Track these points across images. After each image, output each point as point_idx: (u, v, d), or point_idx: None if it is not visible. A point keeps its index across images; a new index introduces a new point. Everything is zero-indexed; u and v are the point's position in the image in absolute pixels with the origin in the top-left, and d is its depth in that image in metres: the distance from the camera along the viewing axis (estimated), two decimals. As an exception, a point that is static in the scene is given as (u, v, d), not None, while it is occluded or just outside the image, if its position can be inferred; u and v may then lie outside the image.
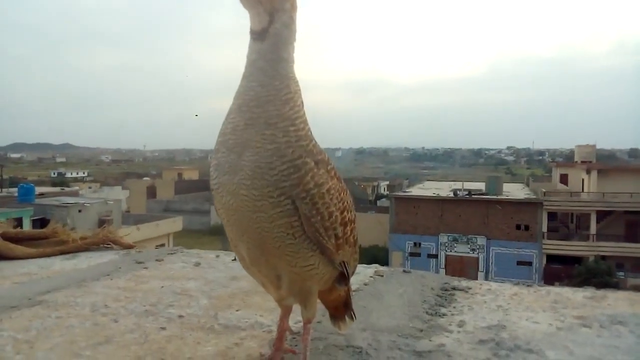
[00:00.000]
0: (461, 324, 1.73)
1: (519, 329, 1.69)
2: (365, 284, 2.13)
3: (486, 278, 34.88)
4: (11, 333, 1.64)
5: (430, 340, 1.59)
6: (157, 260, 2.61)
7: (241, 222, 1.19)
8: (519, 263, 35.03)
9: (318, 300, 1.40)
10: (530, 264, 34.96)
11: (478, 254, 35.99)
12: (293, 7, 1.20)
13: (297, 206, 1.16)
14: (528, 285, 2.18)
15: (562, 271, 33.29)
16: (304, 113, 1.22)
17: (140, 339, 1.61)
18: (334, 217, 1.22)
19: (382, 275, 2.26)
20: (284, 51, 1.20)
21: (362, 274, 2.30)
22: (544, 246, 34.80)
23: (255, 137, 1.16)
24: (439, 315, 1.81)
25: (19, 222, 25.27)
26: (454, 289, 2.11)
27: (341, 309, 1.53)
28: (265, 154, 1.15)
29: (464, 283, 2.20)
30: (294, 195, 1.15)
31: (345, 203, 1.28)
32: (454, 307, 1.90)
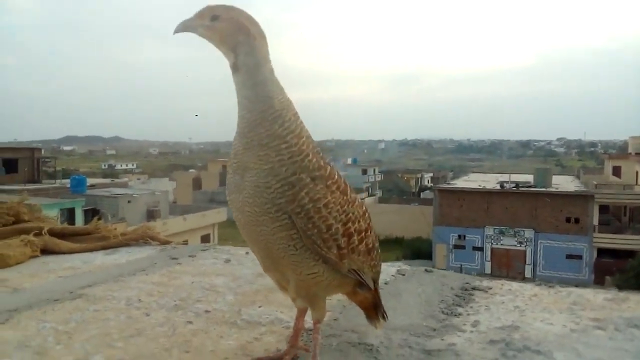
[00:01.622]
0: (475, 324, 1.77)
1: (532, 330, 1.72)
2: (386, 283, 2.19)
3: (534, 271, 34.20)
4: (53, 324, 1.79)
5: (441, 340, 1.64)
6: (190, 256, 2.74)
7: (250, 235, 1.35)
8: (569, 257, 34.17)
9: (348, 300, 1.58)
10: (580, 257, 34.05)
11: (525, 247, 35.30)
12: (251, 36, 1.32)
13: (294, 221, 1.27)
14: (550, 286, 2.20)
15: (613, 265, 32.20)
16: (298, 125, 1.32)
17: (169, 332, 1.73)
18: (333, 229, 1.31)
19: (403, 275, 2.32)
20: (257, 75, 1.31)
21: (385, 272, 2.35)
22: (594, 240, 33.81)
23: (252, 159, 1.29)
24: (455, 315, 1.86)
25: (71, 212, 26.39)
26: (474, 289, 2.15)
27: (371, 310, 1.60)
28: (262, 174, 1.27)
29: (485, 283, 2.23)
30: (289, 211, 1.26)
31: (350, 215, 1.35)
32: (471, 307, 1.94)
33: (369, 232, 1.43)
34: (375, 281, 1.54)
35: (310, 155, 1.31)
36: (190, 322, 1.81)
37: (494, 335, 1.67)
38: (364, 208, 1.44)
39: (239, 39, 1.33)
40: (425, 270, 2.38)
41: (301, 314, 1.55)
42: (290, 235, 1.28)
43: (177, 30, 1.38)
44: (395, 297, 2.04)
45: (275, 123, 1.29)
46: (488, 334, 1.69)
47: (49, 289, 2.21)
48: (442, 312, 1.89)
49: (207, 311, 1.92)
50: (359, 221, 1.39)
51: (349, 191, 1.39)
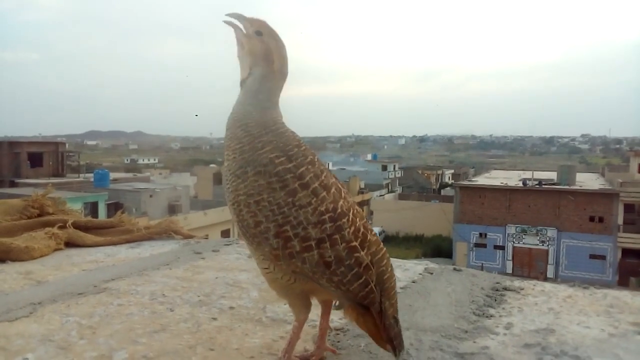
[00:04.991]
0: (508, 326, 1.71)
1: (568, 333, 1.65)
2: (414, 282, 2.14)
3: (556, 271, 33.73)
4: (77, 319, 1.77)
5: (474, 342, 1.58)
6: (213, 250, 2.72)
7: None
8: (592, 257, 33.60)
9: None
10: (604, 257, 33.45)
11: (548, 246, 34.78)
12: (269, 66, 1.42)
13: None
14: (584, 288, 2.12)
15: (638, 266, 31.59)
16: (267, 132, 1.37)
17: (193, 328, 1.70)
18: (262, 227, 1.28)
19: (431, 273, 2.26)
20: (251, 98, 1.41)
21: (412, 270, 2.30)
22: (619, 239, 33.16)
23: (225, 158, 1.40)
24: (487, 317, 1.79)
25: (94, 206, 26.78)
26: (505, 289, 2.08)
27: (375, 337, 1.40)
28: (224, 171, 1.39)
29: (517, 283, 2.16)
30: (231, 200, 1.34)
31: (290, 218, 1.26)
32: (503, 309, 1.88)
33: (325, 244, 1.27)
34: (368, 304, 1.33)
35: (263, 150, 1.33)
36: (215, 319, 1.78)
37: (528, 339, 1.61)
38: (325, 216, 1.27)
39: (260, 63, 1.41)
40: (454, 268, 2.31)
41: (325, 311, 1.50)
42: (239, 225, 1.34)
43: (228, 19, 1.44)
44: (423, 296, 1.98)
45: (239, 128, 1.38)
46: (522, 337, 1.62)
47: (73, 282, 2.20)
48: (474, 313, 1.82)
49: (231, 307, 1.88)
50: (305, 228, 1.26)
51: (315, 194, 1.29)
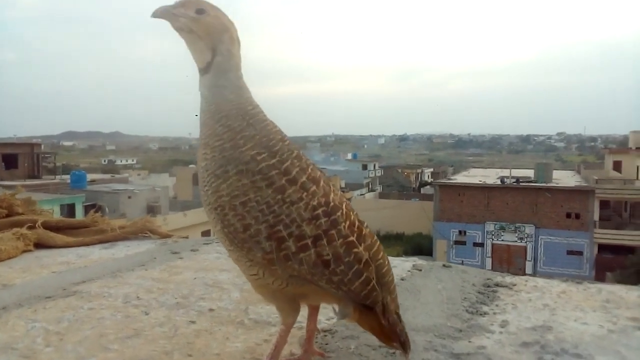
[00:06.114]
0: (504, 324, 1.63)
1: (567, 330, 1.58)
2: (402, 279, 2.04)
3: (534, 267, 34.11)
4: (43, 324, 1.64)
5: (469, 342, 1.50)
6: (192, 250, 2.59)
7: None
8: (569, 252, 34.09)
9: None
10: (581, 253, 33.96)
11: (526, 242, 35.20)
12: (232, 40, 1.30)
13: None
14: (577, 283, 2.05)
15: (614, 261, 32.11)
16: (248, 125, 1.25)
17: (170, 332, 1.58)
18: (252, 230, 1.17)
19: (420, 270, 2.17)
20: (223, 79, 1.28)
21: (400, 267, 2.21)
22: (595, 235, 33.69)
23: (199, 158, 1.28)
24: (480, 314, 1.71)
25: (71, 208, 26.29)
26: (497, 285, 2.00)
27: (381, 337, 1.32)
28: (201, 171, 1.26)
29: (508, 279, 2.08)
30: (212, 203, 1.21)
31: (282, 217, 1.16)
32: (497, 305, 1.80)
33: (321, 241, 1.17)
34: (371, 304, 1.24)
35: (245, 147, 1.21)
36: (193, 322, 1.66)
37: (526, 337, 1.53)
38: (318, 211, 1.18)
39: (222, 38, 1.29)
40: (444, 265, 2.23)
41: (312, 313, 1.40)
42: (222, 230, 1.21)
43: (155, 15, 1.29)
44: (413, 294, 1.89)
45: (217, 123, 1.26)
46: (519, 335, 1.54)
47: (41, 285, 2.07)
48: (466, 310, 1.74)
49: (211, 310, 1.77)
50: (299, 226, 1.16)
51: (305, 189, 1.20)
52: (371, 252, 1.25)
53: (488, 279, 2.07)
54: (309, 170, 1.24)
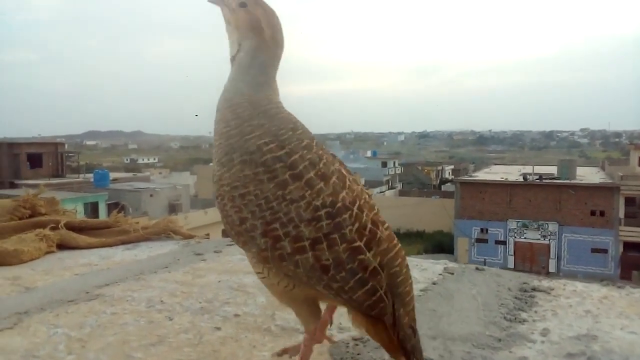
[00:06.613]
0: (545, 333, 1.54)
1: (613, 340, 1.48)
2: (434, 283, 1.96)
3: (558, 265, 33.59)
4: (65, 330, 1.60)
5: (510, 352, 1.41)
6: (215, 251, 2.54)
7: None
8: (594, 250, 33.46)
9: None
10: (605, 251, 33.31)
11: (549, 240, 34.63)
12: (261, 38, 1.26)
13: None
14: (619, 287, 1.95)
15: (640, 260, 31.50)
16: (259, 113, 1.21)
17: (194, 339, 1.53)
18: (247, 224, 1.12)
19: (452, 273, 2.08)
20: (243, 74, 1.26)
21: (430, 270, 2.13)
22: (620, 233, 33.01)
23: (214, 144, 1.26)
24: (519, 322, 1.62)
25: (94, 206, 26.62)
26: (534, 289, 1.91)
27: (393, 354, 1.21)
28: (213, 158, 1.24)
29: (545, 283, 1.99)
30: (215, 191, 1.19)
31: (280, 215, 1.10)
32: (536, 312, 1.70)
33: (321, 245, 1.10)
34: (377, 315, 1.14)
35: (252, 135, 1.17)
36: (218, 328, 1.60)
37: (570, 347, 1.44)
38: (320, 212, 1.10)
39: (248, 34, 1.27)
40: (477, 268, 2.14)
41: (330, 307, 1.34)
42: (222, 220, 1.19)
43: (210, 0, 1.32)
44: (447, 300, 1.80)
45: (227, 109, 1.24)
46: (563, 345, 1.45)
47: (64, 288, 2.03)
48: (504, 318, 1.65)
49: (236, 315, 1.71)
50: (296, 226, 1.09)
51: (310, 186, 1.12)
52: (386, 258, 1.14)
53: (524, 283, 1.98)
54: (320, 164, 1.15)
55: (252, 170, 1.13)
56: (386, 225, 1.19)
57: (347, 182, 1.17)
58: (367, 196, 1.21)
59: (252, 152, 1.15)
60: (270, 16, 1.28)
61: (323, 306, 1.28)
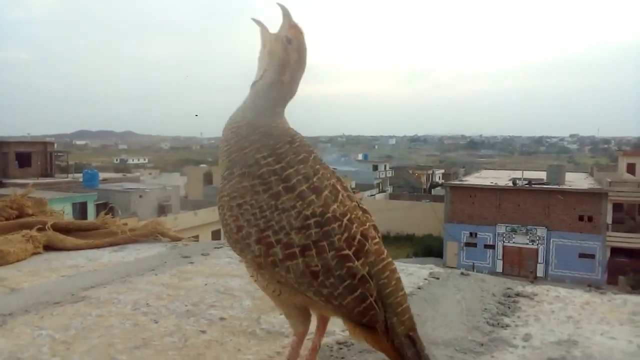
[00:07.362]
0: (527, 338, 1.56)
1: (594, 345, 1.51)
2: (419, 288, 1.98)
3: (546, 270, 33.82)
4: (50, 332, 1.59)
5: (492, 357, 1.43)
6: (202, 254, 2.54)
7: None
8: (581, 255, 33.72)
9: None
10: (593, 256, 33.59)
11: (538, 245, 34.87)
12: (281, 74, 1.32)
13: None
14: (601, 293, 1.97)
15: (627, 265, 31.76)
16: (248, 132, 1.29)
17: (179, 343, 1.53)
18: (244, 232, 1.19)
19: (437, 278, 2.10)
20: (256, 100, 1.34)
21: (416, 275, 2.14)
22: (608, 238, 33.31)
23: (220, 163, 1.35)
24: (502, 327, 1.64)
25: (83, 207, 26.43)
26: (517, 295, 1.93)
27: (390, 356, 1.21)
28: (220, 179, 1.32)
29: (529, 289, 2.01)
30: (217, 202, 1.27)
31: (272, 223, 1.16)
32: (519, 317, 1.73)
33: (310, 251, 1.13)
34: (368, 322, 1.16)
35: (250, 149, 1.25)
36: (204, 332, 1.61)
37: (551, 352, 1.46)
38: (309, 221, 1.14)
39: (274, 68, 1.33)
40: (462, 273, 2.16)
41: (320, 325, 1.34)
42: (222, 228, 1.27)
43: (255, 21, 1.37)
44: (432, 304, 1.82)
45: (229, 131, 1.32)
46: (544, 350, 1.47)
47: (50, 289, 2.02)
48: (487, 322, 1.67)
49: (222, 318, 1.71)
50: (287, 233, 1.15)
51: (301, 197, 1.17)
52: (374, 269, 1.17)
53: (508, 289, 2.00)
54: (314, 178, 1.21)
55: (249, 182, 1.21)
56: (376, 240, 1.22)
57: (340, 197, 1.21)
58: (359, 212, 1.25)
59: (251, 165, 1.23)
60: (299, 66, 1.34)
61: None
